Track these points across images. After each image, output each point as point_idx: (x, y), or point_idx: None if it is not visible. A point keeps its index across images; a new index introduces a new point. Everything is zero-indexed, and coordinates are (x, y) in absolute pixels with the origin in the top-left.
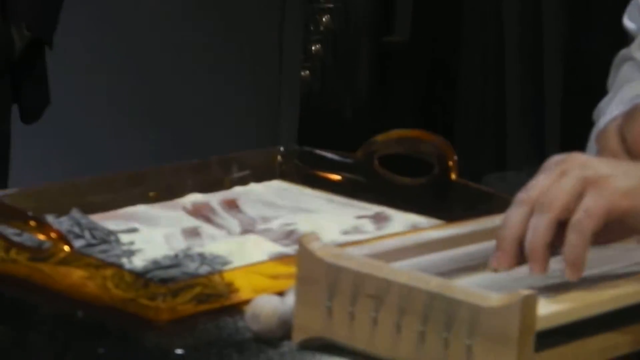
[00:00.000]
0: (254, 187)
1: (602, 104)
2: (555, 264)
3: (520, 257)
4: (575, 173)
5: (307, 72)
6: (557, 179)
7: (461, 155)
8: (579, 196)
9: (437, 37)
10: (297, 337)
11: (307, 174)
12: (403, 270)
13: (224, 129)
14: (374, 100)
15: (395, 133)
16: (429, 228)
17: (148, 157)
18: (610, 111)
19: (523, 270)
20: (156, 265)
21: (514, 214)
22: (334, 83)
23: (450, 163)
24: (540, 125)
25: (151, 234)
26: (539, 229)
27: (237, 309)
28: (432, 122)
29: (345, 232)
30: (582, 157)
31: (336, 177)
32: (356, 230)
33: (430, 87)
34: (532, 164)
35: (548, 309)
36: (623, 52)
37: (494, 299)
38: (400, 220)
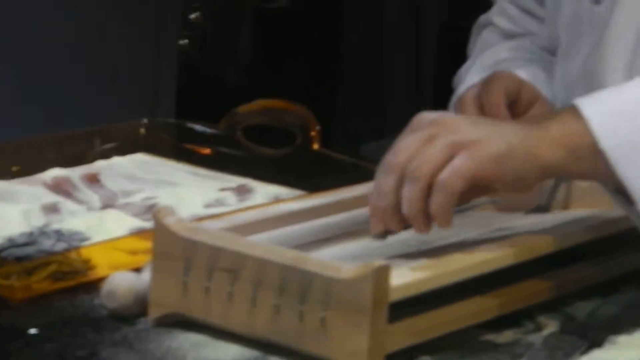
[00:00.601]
0: (117, 161)
1: (462, 70)
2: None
3: (398, 223)
4: (444, 138)
5: (186, 40)
6: (426, 143)
7: (341, 123)
8: (448, 161)
9: (318, 3)
10: (154, 313)
11: (171, 147)
12: (258, 244)
13: (98, 101)
14: (256, 68)
15: (258, 104)
16: (289, 200)
17: (19, 130)
18: (470, 78)
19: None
20: (11, 243)
21: (385, 183)
22: (214, 52)
23: (313, 133)
24: (418, 93)
25: (9, 210)
26: (413, 200)
27: (95, 286)
28: (314, 91)
29: (208, 205)
30: (453, 120)
31: (200, 149)
32: (219, 202)
33: (312, 55)
34: None
35: (402, 280)
36: (482, 17)
37: (347, 271)
38: (264, 191)
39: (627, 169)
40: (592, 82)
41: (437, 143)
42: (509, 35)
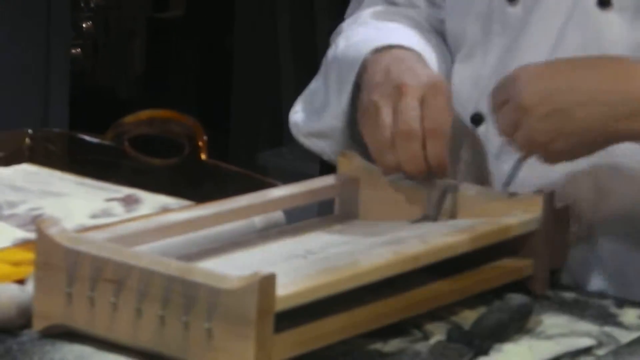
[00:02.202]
0: (1, 171)
1: (344, 24)
2: (298, 246)
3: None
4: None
5: (79, 49)
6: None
7: (237, 133)
8: None
9: (212, 14)
10: (38, 325)
11: (57, 157)
12: (143, 254)
13: None
14: (149, 77)
15: (145, 114)
16: (175, 210)
17: None
18: (351, 33)
19: (271, 251)
20: None
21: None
22: (106, 61)
23: (200, 143)
24: None
25: None
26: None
27: None
28: (208, 100)
29: (94, 216)
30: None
31: (87, 159)
32: (106, 213)
33: (206, 64)
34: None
35: (288, 289)
36: None
37: (232, 281)
38: (151, 202)
39: None
40: None
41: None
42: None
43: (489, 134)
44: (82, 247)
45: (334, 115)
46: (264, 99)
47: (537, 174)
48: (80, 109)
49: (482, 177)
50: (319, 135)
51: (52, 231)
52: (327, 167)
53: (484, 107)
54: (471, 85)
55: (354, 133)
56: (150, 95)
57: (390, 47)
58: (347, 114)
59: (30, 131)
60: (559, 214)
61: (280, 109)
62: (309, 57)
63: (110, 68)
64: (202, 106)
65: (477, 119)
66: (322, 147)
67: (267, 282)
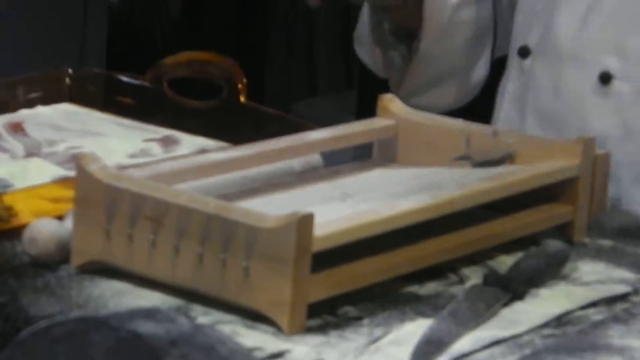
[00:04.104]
0: (41, 110)
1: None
2: (336, 189)
3: None
4: None
5: None
6: None
7: (272, 82)
8: None
9: None
10: (76, 261)
11: (96, 97)
12: (182, 192)
13: (28, 51)
14: (186, 20)
15: (184, 56)
16: (214, 150)
17: None
18: None
19: (309, 193)
20: None
21: None
22: (144, 3)
23: (239, 86)
24: (347, 51)
25: None
26: None
27: (17, 233)
28: (244, 45)
29: (133, 156)
30: None
31: (126, 100)
32: (144, 153)
33: (243, 9)
34: (339, 90)
35: (325, 230)
36: None
37: (271, 220)
38: (189, 143)
39: None
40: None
41: None
42: None
43: (534, 67)
44: (122, 184)
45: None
46: (300, 48)
47: None
48: (117, 50)
49: (524, 110)
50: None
51: (92, 167)
52: (362, 118)
53: (532, 41)
54: (523, 18)
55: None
56: (187, 38)
57: None
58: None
59: (70, 71)
60: (598, 160)
61: (313, 58)
62: (343, 10)
63: (147, 10)
64: (238, 52)
65: (524, 52)
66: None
67: (305, 222)
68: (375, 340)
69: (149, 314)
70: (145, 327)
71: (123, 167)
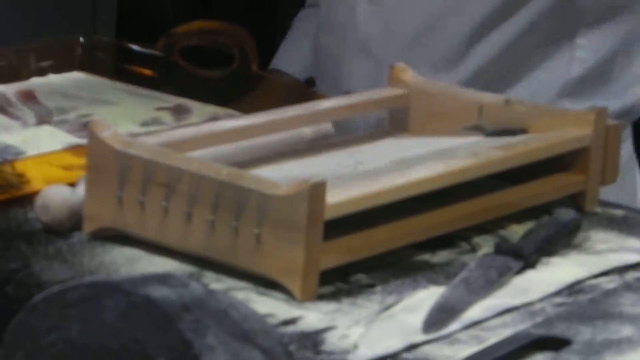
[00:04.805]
0: (52, 79)
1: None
2: (348, 157)
3: None
4: None
5: None
6: None
7: None
8: None
9: None
10: (88, 227)
11: (107, 66)
12: (194, 159)
13: (39, 20)
14: None
15: (196, 24)
16: (226, 118)
17: None
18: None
19: (321, 161)
20: None
21: None
22: None
23: (251, 55)
24: None
25: None
26: None
27: (29, 199)
28: (256, 13)
29: (144, 124)
30: None
31: (137, 68)
32: (155, 121)
33: None
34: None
35: (337, 198)
36: None
37: (283, 187)
38: (201, 111)
39: None
40: None
41: None
42: None
43: None
44: (134, 151)
45: None
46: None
47: None
48: (127, 19)
49: None
50: None
51: (104, 134)
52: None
53: None
54: None
55: None
56: (198, 8)
57: None
58: None
59: (81, 39)
60: (610, 130)
61: None
62: None
63: None
64: (250, 21)
65: None
66: None
67: (317, 189)
68: (387, 308)
69: (162, 279)
70: (158, 292)
71: (134, 134)
